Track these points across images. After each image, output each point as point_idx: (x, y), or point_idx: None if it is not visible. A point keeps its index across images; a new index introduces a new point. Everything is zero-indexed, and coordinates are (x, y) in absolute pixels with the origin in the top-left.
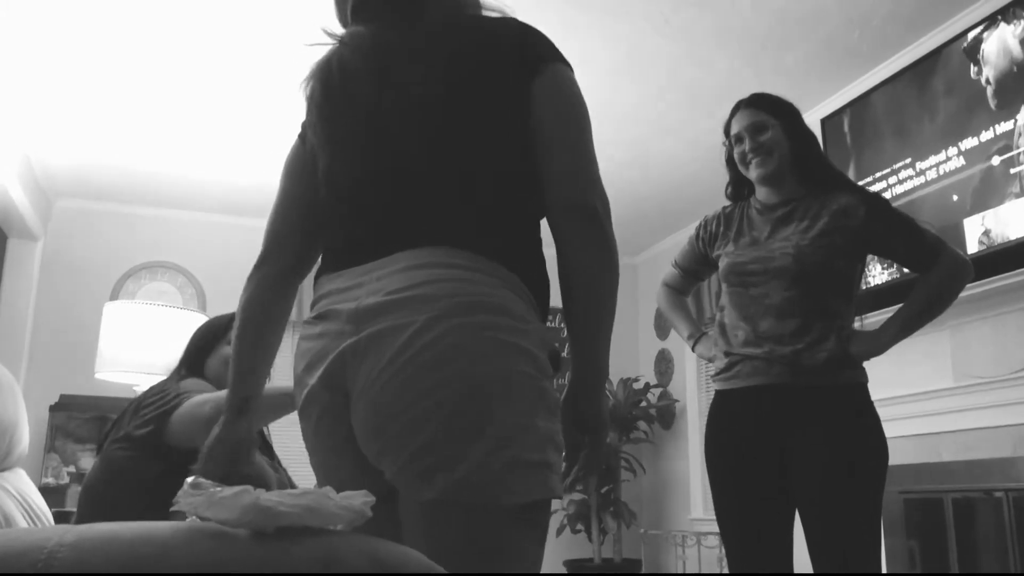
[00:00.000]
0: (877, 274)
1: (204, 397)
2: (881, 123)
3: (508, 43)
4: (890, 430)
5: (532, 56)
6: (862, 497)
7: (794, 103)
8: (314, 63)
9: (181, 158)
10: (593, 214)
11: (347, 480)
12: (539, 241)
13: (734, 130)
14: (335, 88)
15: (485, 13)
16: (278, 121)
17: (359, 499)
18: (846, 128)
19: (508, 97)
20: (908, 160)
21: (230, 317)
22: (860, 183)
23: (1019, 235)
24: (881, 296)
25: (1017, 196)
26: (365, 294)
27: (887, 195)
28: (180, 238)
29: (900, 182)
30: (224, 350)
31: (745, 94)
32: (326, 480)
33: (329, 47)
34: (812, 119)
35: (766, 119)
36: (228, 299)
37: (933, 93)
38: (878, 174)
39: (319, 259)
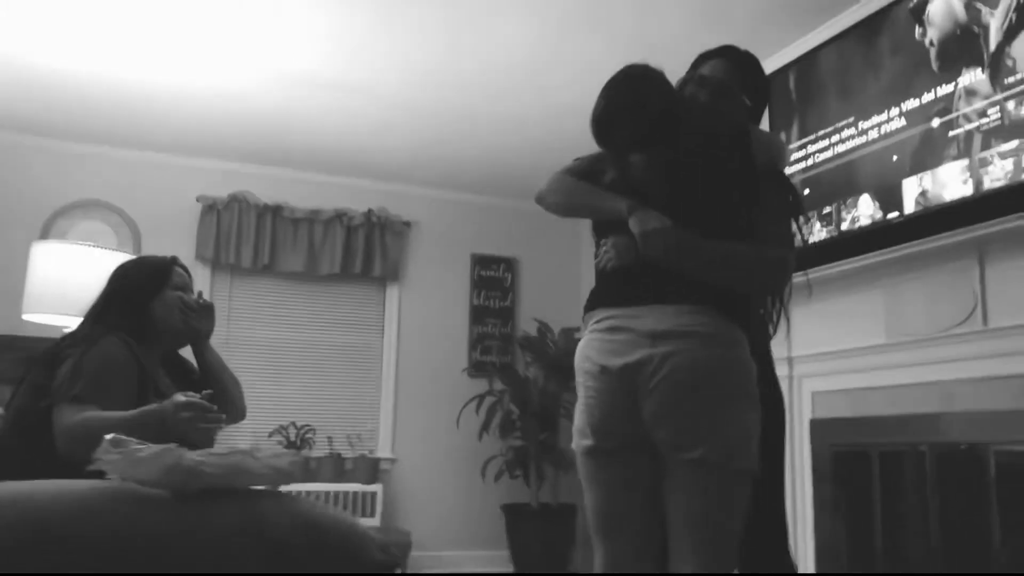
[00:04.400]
0: (816, 231)
1: (96, 422)
2: (827, 81)
3: None
4: (824, 384)
5: None
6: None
7: None
8: None
9: (116, 92)
10: None
11: (624, 428)
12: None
13: (705, 70)
14: None
15: None
16: (222, 54)
17: (286, 459)
18: (792, 85)
19: None
20: (851, 119)
21: (170, 260)
22: (804, 141)
23: (954, 197)
24: (824, 251)
25: (954, 159)
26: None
27: (829, 154)
28: (115, 176)
29: (843, 141)
30: (170, 295)
31: (694, 46)
32: (606, 421)
33: None
34: None
35: (739, 91)
36: (164, 239)
37: (879, 52)
38: (821, 132)
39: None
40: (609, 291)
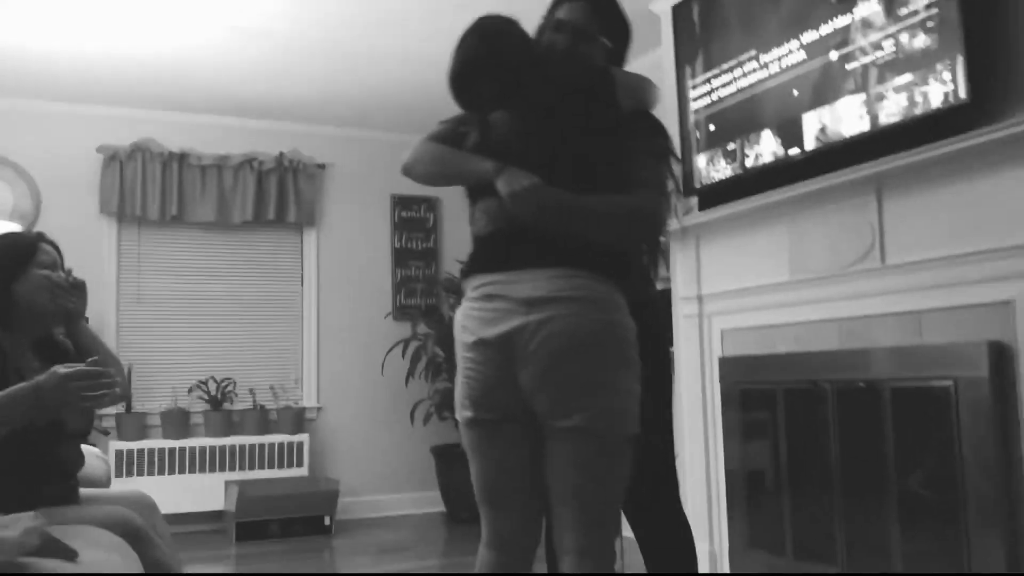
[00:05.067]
0: (721, 168)
1: None
2: (730, 13)
3: None
4: (733, 322)
5: None
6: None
7: None
8: None
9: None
10: None
11: (504, 399)
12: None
13: (561, 13)
14: None
15: None
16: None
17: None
18: (695, 17)
19: None
20: (753, 52)
21: (35, 236)
22: (708, 75)
23: (852, 133)
24: (729, 188)
25: (852, 93)
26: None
27: (732, 88)
28: (7, 128)
29: (745, 75)
30: (35, 275)
31: None
32: (486, 392)
33: None
34: (664, 7)
35: (598, 33)
36: (65, 194)
37: None
38: (724, 66)
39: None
40: (484, 256)
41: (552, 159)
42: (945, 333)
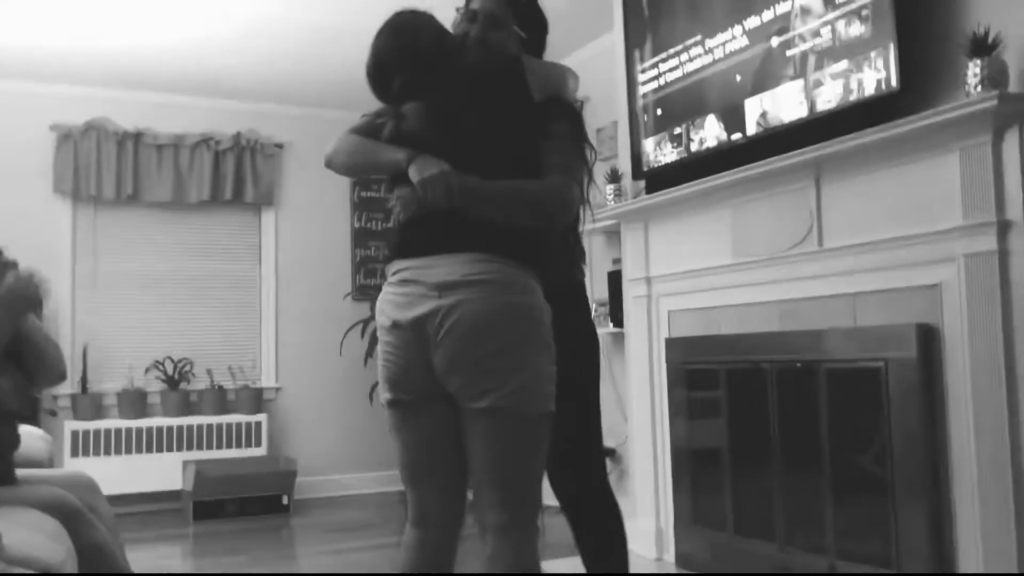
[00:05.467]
0: (668, 152)
1: None
2: None
3: None
4: (679, 303)
5: None
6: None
7: None
8: None
9: None
10: None
11: (420, 381)
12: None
13: (474, 4)
14: None
15: None
16: None
17: None
18: (644, 2)
19: None
20: (699, 37)
21: None
22: (655, 60)
23: (792, 118)
24: (676, 171)
25: (792, 79)
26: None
27: (678, 73)
28: None
29: (691, 60)
30: None
31: None
32: (403, 374)
33: None
34: None
35: (511, 22)
36: (17, 174)
37: None
38: (671, 50)
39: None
40: (403, 243)
41: (462, 146)
42: (877, 315)
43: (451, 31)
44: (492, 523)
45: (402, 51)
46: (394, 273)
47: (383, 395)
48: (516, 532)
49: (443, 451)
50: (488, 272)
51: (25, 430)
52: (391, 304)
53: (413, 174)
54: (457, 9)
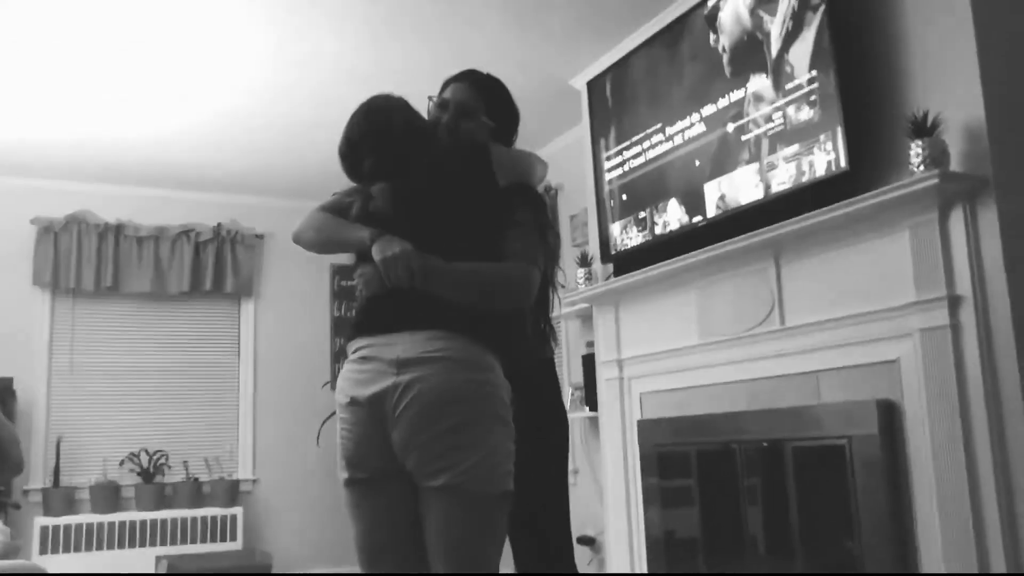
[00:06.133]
0: (634, 236)
1: None
2: (638, 88)
3: None
4: (651, 385)
5: None
6: None
7: (559, 67)
8: None
9: None
10: None
11: (377, 459)
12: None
13: (447, 93)
14: None
15: None
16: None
17: None
18: (608, 92)
19: None
20: (659, 125)
21: None
22: (620, 147)
23: (749, 200)
24: (642, 255)
25: (747, 163)
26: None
27: (641, 159)
28: None
29: (653, 146)
30: None
31: (512, 55)
32: (360, 452)
33: None
34: (579, 83)
35: (480, 111)
36: None
37: (681, 59)
38: (635, 138)
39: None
40: (364, 320)
41: (426, 228)
42: (840, 392)
43: (424, 118)
44: None
45: (374, 132)
46: (355, 351)
47: (340, 474)
48: None
49: (400, 531)
50: (446, 349)
51: None
52: (350, 381)
53: (376, 253)
54: (430, 98)
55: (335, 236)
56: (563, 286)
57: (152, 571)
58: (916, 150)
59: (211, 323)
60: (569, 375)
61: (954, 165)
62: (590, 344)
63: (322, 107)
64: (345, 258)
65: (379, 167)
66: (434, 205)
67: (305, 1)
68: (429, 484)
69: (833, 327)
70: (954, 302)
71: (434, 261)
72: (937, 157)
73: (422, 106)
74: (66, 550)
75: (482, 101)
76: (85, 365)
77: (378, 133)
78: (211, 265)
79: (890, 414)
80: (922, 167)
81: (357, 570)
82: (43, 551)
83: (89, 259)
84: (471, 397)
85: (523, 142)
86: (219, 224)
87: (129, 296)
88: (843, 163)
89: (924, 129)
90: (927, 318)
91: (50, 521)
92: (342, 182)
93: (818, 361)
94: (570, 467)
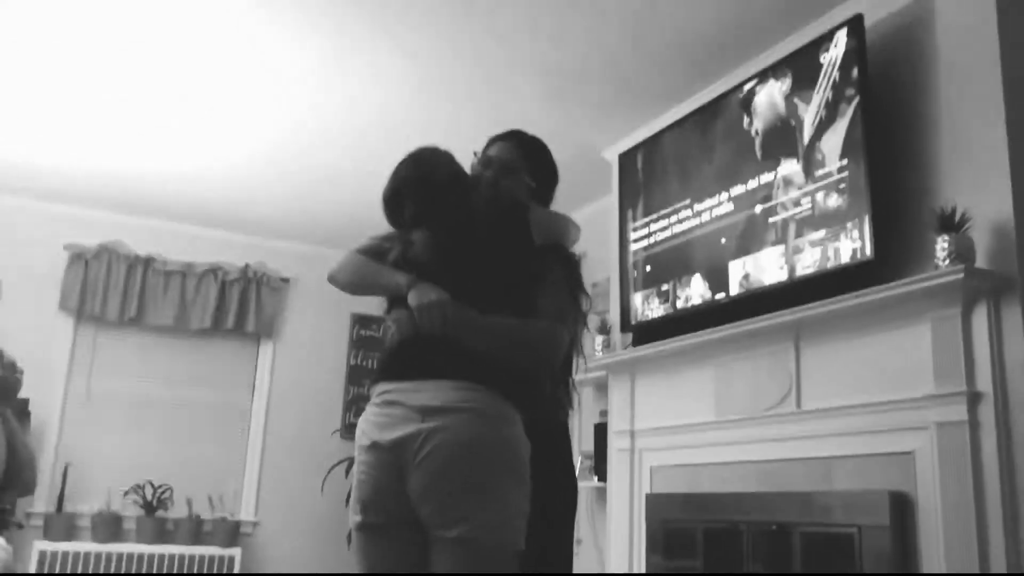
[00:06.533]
0: (655, 307)
1: None
2: (669, 163)
3: None
4: (662, 459)
5: None
6: None
7: (592, 138)
8: None
9: None
10: None
11: (392, 505)
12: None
13: (492, 151)
14: None
15: None
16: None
17: None
18: (639, 165)
19: None
20: (687, 200)
21: None
22: (647, 220)
23: (772, 281)
24: (662, 327)
25: (773, 244)
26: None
27: (668, 233)
28: None
29: (680, 221)
30: None
31: (547, 122)
32: (376, 496)
33: None
34: (611, 155)
35: (522, 171)
36: (26, 288)
37: (713, 139)
38: (662, 211)
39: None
40: (392, 365)
41: (462, 279)
42: (853, 480)
43: (467, 172)
44: None
45: (419, 181)
46: (379, 394)
47: (352, 518)
48: None
49: None
50: (473, 401)
51: None
52: (372, 424)
53: (412, 298)
54: (475, 153)
55: (372, 279)
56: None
57: None
58: (942, 244)
59: (229, 361)
60: (580, 443)
61: (980, 261)
62: (603, 413)
63: (359, 156)
64: (366, 307)
65: (421, 215)
66: (471, 257)
67: (347, 49)
68: (443, 534)
69: (849, 414)
70: (973, 398)
71: (468, 312)
72: (963, 253)
73: (467, 161)
74: None
75: (525, 161)
76: (101, 392)
77: (423, 181)
78: (235, 304)
79: (903, 506)
80: (947, 261)
81: None
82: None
83: (116, 288)
84: (493, 451)
85: (552, 207)
86: (247, 265)
87: (151, 328)
88: (868, 251)
89: (951, 224)
90: (945, 412)
91: (48, 546)
92: (373, 231)
93: (832, 447)
94: (575, 536)
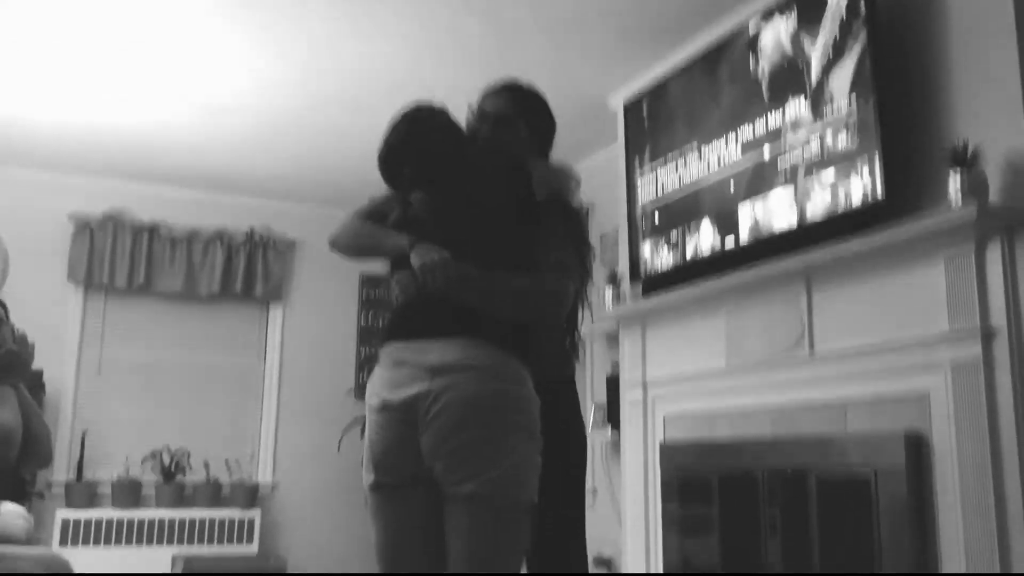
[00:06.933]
0: (665, 257)
1: None
2: (675, 109)
3: None
4: (675, 408)
5: None
6: None
7: (596, 86)
8: None
9: None
10: None
11: (404, 463)
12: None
13: (486, 105)
14: None
15: None
16: (96, 73)
17: None
18: (645, 113)
19: None
20: (695, 146)
21: None
22: (655, 168)
23: (782, 225)
24: (671, 276)
25: (783, 187)
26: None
27: (675, 180)
28: None
29: (687, 167)
30: None
31: (553, 72)
32: (388, 455)
33: None
34: (615, 103)
35: (519, 123)
36: (32, 259)
37: (719, 82)
38: (669, 158)
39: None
40: (398, 326)
41: (464, 237)
42: (867, 422)
43: (463, 128)
44: None
45: (414, 140)
46: (388, 355)
47: (366, 478)
48: None
49: (422, 537)
50: (480, 358)
51: (6, 507)
52: (382, 385)
53: (414, 259)
54: (469, 106)
55: (373, 242)
56: (590, 304)
57: (168, 570)
58: (955, 181)
59: (239, 326)
60: (592, 394)
61: (993, 197)
62: (615, 365)
63: (357, 115)
64: (374, 268)
65: (418, 175)
66: (471, 215)
67: (340, 11)
68: (455, 491)
69: (863, 357)
70: (988, 335)
71: (470, 270)
72: (976, 189)
73: (462, 115)
74: (85, 543)
75: (521, 113)
76: (113, 361)
77: (418, 141)
78: (242, 269)
79: (918, 447)
80: (960, 199)
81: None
82: (63, 543)
83: (123, 257)
84: (502, 407)
85: (558, 158)
86: (252, 228)
87: (160, 295)
88: (879, 191)
89: (963, 160)
90: (959, 350)
91: (71, 514)
92: (376, 191)
93: (846, 390)
94: (589, 487)
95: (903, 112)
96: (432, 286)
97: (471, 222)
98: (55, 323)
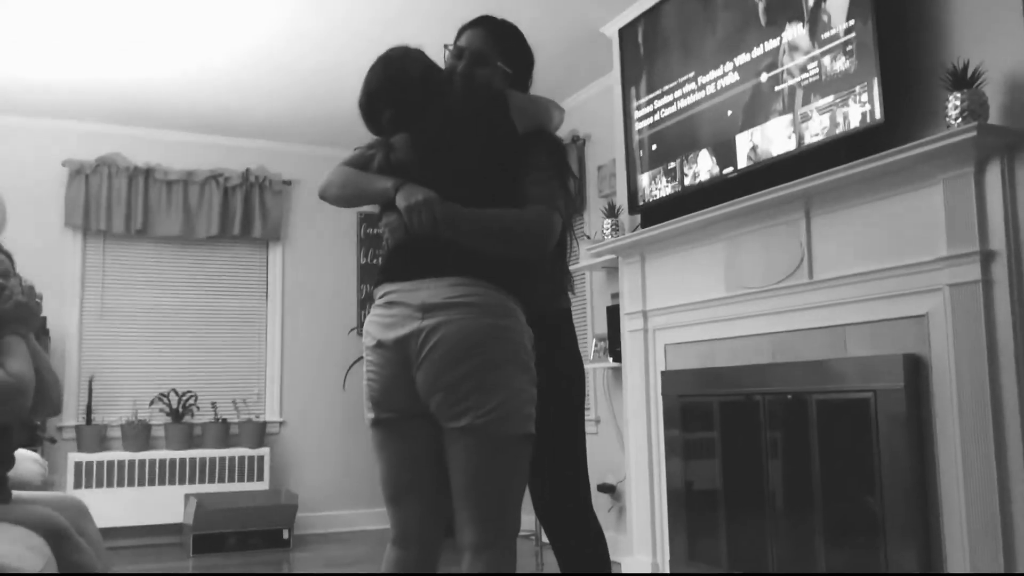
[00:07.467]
0: (663, 187)
1: None
2: (671, 36)
3: None
4: (675, 337)
5: None
6: None
7: (589, 13)
8: None
9: None
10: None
11: (402, 400)
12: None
13: (462, 41)
14: None
15: None
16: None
17: None
18: (640, 40)
19: None
20: (691, 74)
21: None
22: (651, 96)
23: (781, 151)
24: (670, 206)
25: (780, 113)
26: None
27: (672, 109)
28: None
29: (684, 96)
30: None
31: (547, 4)
32: (385, 393)
33: None
34: (610, 31)
35: (496, 58)
36: (29, 207)
37: (715, 7)
38: (666, 87)
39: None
40: (391, 267)
41: (447, 176)
42: (867, 346)
43: (441, 67)
44: (469, 542)
45: (391, 84)
46: (381, 296)
47: (367, 414)
48: (492, 552)
49: (424, 470)
50: (471, 295)
51: (20, 452)
52: (376, 325)
53: (400, 201)
54: (446, 46)
55: (360, 189)
56: (588, 236)
57: (182, 507)
58: (954, 102)
59: (239, 267)
60: (593, 326)
61: (993, 118)
62: (615, 296)
63: (350, 53)
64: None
65: (398, 118)
66: (454, 153)
67: None
68: (452, 425)
69: (862, 281)
70: (987, 257)
71: (456, 208)
72: (976, 110)
73: (439, 55)
74: (99, 485)
75: (497, 47)
76: (115, 306)
77: (395, 84)
78: (239, 210)
79: (916, 369)
80: (960, 119)
81: (381, 511)
82: (77, 485)
83: (119, 202)
84: (494, 341)
85: (551, 90)
86: (248, 169)
87: (158, 239)
88: (878, 115)
89: (963, 81)
90: (958, 273)
91: (83, 457)
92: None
93: (846, 315)
94: (593, 416)
95: (902, 33)
96: (419, 226)
97: (453, 160)
98: (55, 270)
